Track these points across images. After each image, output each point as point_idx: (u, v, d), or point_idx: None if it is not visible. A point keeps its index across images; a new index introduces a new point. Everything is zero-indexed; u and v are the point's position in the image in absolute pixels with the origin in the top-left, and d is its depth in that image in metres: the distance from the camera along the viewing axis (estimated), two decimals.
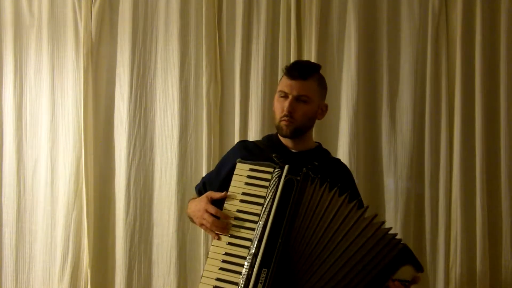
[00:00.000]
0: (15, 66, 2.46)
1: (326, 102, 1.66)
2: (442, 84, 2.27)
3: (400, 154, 2.28)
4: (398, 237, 1.43)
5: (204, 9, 2.34)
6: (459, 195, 2.20)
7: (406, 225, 2.24)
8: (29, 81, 2.46)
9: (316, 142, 1.79)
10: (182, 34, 2.37)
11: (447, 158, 2.24)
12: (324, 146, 1.84)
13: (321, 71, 1.70)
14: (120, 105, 2.42)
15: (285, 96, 1.62)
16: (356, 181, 2.23)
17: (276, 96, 1.66)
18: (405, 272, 1.43)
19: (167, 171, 2.37)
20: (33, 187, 2.44)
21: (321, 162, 1.63)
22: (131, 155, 2.38)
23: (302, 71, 1.61)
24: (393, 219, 2.24)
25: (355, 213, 1.42)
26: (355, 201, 1.43)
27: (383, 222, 1.43)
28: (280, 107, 1.62)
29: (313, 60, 2.27)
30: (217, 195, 1.55)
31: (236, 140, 2.29)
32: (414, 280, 1.45)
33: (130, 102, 2.40)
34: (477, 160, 2.20)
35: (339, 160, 1.81)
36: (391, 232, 1.43)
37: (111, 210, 2.42)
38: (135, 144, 2.39)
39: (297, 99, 1.60)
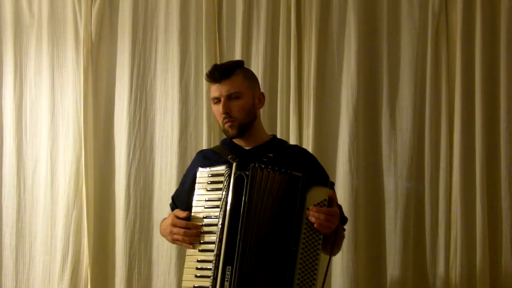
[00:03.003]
0: (15, 66, 2.46)
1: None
2: (442, 84, 2.26)
3: (400, 154, 2.27)
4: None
5: (204, 9, 2.34)
6: (459, 195, 2.20)
7: (406, 225, 2.23)
8: (29, 81, 2.47)
9: (271, 135, 1.80)
10: (182, 34, 2.37)
11: (447, 158, 2.24)
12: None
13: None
14: (120, 105, 2.42)
15: (218, 101, 1.65)
16: (356, 181, 2.24)
17: (211, 104, 1.69)
18: (316, 195, 1.47)
19: (167, 171, 2.37)
20: (33, 187, 2.44)
21: (277, 153, 1.65)
22: (131, 155, 2.38)
23: (222, 71, 1.63)
24: (393, 219, 2.24)
25: (291, 181, 1.49)
26: (292, 171, 1.49)
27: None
28: (218, 112, 1.65)
29: (313, 60, 2.27)
30: (181, 214, 1.59)
31: None
32: (331, 198, 1.49)
33: (130, 102, 2.40)
34: (477, 160, 2.20)
35: (296, 146, 1.83)
36: None
37: (111, 210, 2.42)
38: (135, 144, 2.39)
39: (229, 98, 1.62)
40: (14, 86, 2.46)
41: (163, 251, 2.35)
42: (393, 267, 2.23)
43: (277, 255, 1.46)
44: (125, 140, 2.39)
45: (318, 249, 1.46)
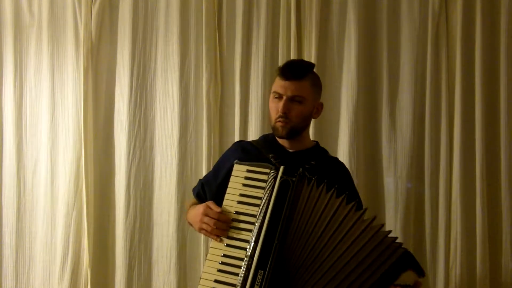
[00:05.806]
0: (15, 66, 2.46)
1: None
2: (442, 84, 2.26)
3: (400, 154, 2.27)
4: (397, 237, 1.42)
5: (204, 9, 2.34)
6: (459, 195, 2.20)
7: (406, 225, 2.24)
8: (29, 81, 2.47)
9: (313, 141, 1.79)
10: (182, 34, 2.37)
11: (447, 158, 2.24)
12: (324, 145, 1.84)
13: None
14: (120, 105, 2.42)
15: (279, 97, 1.61)
16: (356, 181, 2.23)
17: (271, 97, 1.65)
18: (407, 277, 1.41)
19: (167, 171, 2.37)
20: (33, 187, 2.44)
21: (318, 161, 1.63)
22: (131, 155, 2.38)
23: (296, 71, 1.60)
24: (393, 219, 2.24)
25: (354, 215, 1.40)
26: (353, 203, 1.41)
27: (383, 225, 1.41)
28: (275, 108, 1.61)
29: (313, 60, 2.26)
30: (216, 209, 1.52)
31: (236, 140, 2.29)
32: (416, 285, 1.42)
33: (130, 102, 2.40)
34: (477, 160, 2.20)
35: (336, 158, 1.80)
36: (390, 236, 1.40)
37: (111, 210, 2.42)
38: (135, 144, 2.39)
39: (292, 100, 1.59)
40: (14, 86, 2.46)
41: (163, 251, 2.35)
42: None
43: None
44: (125, 140, 2.39)
45: None
